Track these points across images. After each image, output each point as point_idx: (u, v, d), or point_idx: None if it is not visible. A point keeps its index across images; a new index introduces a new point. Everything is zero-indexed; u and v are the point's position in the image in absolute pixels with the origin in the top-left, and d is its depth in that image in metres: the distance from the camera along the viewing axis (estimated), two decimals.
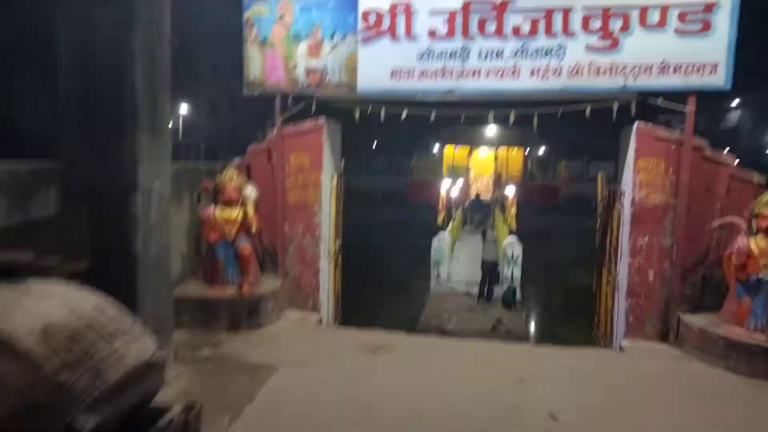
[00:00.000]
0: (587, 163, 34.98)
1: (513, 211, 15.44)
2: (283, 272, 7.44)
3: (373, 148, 40.54)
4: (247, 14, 7.08)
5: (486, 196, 26.80)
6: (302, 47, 7.00)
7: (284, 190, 7.36)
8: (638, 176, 6.39)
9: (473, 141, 30.41)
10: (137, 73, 4.08)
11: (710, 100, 6.17)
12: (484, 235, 12.84)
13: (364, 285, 14.11)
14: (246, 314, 6.62)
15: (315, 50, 6.98)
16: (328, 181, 7.55)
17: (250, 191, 6.98)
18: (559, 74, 6.33)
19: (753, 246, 5.66)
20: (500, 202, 23.40)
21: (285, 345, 6.24)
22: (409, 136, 36.31)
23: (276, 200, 7.35)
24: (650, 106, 6.31)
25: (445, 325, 11.18)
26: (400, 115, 7.16)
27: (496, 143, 30.57)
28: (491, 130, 30.18)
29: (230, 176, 6.93)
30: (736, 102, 36.09)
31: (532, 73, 6.40)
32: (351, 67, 6.89)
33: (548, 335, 11.78)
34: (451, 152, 30.97)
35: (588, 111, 6.48)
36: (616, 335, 6.81)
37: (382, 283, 15.60)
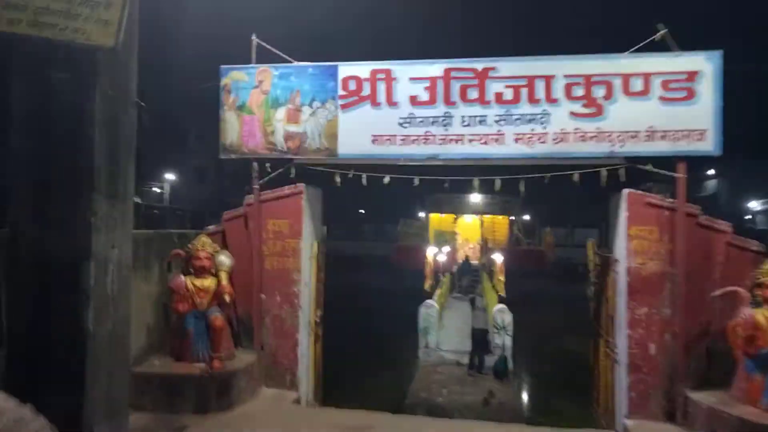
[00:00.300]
0: (571, 230, 35.18)
1: (501, 277, 15.08)
2: (258, 346, 6.92)
3: (361, 213, 40.61)
4: (225, 80, 6.97)
5: (474, 261, 26.47)
6: (280, 113, 6.85)
7: (261, 257, 6.97)
8: (632, 244, 6.12)
9: (458, 208, 30.49)
10: (96, 137, 3.79)
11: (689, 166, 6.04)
12: (472, 303, 12.42)
13: (348, 356, 13.43)
14: (216, 393, 6.04)
15: (294, 116, 6.83)
16: (308, 248, 7.19)
17: (224, 259, 6.59)
18: (545, 140, 6.19)
19: (760, 318, 5.31)
20: (488, 267, 23.06)
21: (258, 429, 5.65)
22: (395, 203, 36.51)
23: (252, 268, 6.94)
24: (635, 171, 6.15)
25: (434, 398, 10.60)
26: (383, 180, 6.93)
27: (480, 210, 30.65)
28: (476, 197, 30.35)
29: (203, 243, 6.56)
30: (712, 170, 36.97)
31: (516, 139, 6.26)
32: (331, 132, 6.73)
33: (542, 409, 11.16)
34: (437, 218, 30.95)
35: (576, 177, 6.30)
36: (619, 414, 6.30)
37: (369, 353, 14.91)
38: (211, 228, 7.28)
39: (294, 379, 6.91)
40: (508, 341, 13.09)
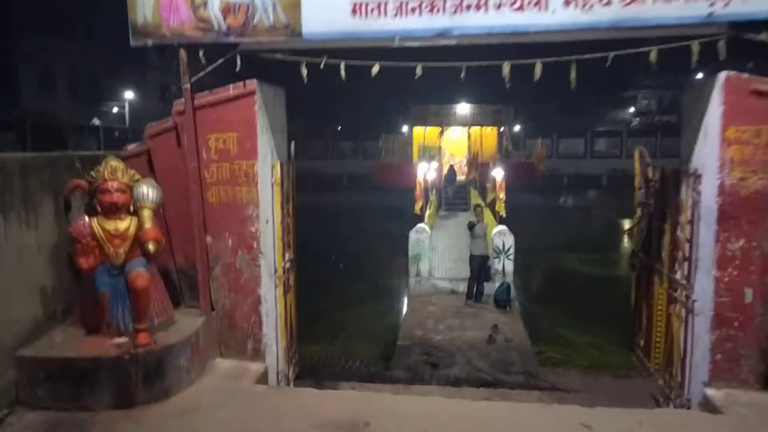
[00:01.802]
0: (556, 140, 33.28)
1: (502, 195, 13.37)
2: (206, 305, 5.13)
3: (339, 128, 37.98)
4: None
5: (461, 177, 24.82)
6: None
7: (201, 186, 5.00)
8: (728, 151, 4.30)
9: (444, 120, 28.18)
10: None
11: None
12: (471, 229, 10.76)
13: (328, 294, 11.90)
14: (143, 379, 4.31)
15: None
16: (268, 172, 5.22)
17: (147, 191, 4.60)
18: (609, 2, 4.15)
19: None
20: (481, 184, 21.34)
21: (204, 427, 3.99)
22: (375, 115, 33.82)
23: (191, 202, 5.00)
24: (736, 44, 4.19)
25: (431, 337, 9.21)
26: (369, 72, 4.82)
27: (468, 122, 28.39)
28: (463, 108, 28.05)
29: (112, 170, 4.53)
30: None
31: (567, 1, 4.20)
32: (290, 1, 4.56)
33: (556, 343, 9.85)
34: (422, 132, 28.71)
35: (654, 56, 4.31)
36: (690, 377, 4.77)
37: (353, 286, 13.41)
38: (131, 148, 5.25)
39: (258, 347, 5.20)
40: (509, 266, 11.68)
